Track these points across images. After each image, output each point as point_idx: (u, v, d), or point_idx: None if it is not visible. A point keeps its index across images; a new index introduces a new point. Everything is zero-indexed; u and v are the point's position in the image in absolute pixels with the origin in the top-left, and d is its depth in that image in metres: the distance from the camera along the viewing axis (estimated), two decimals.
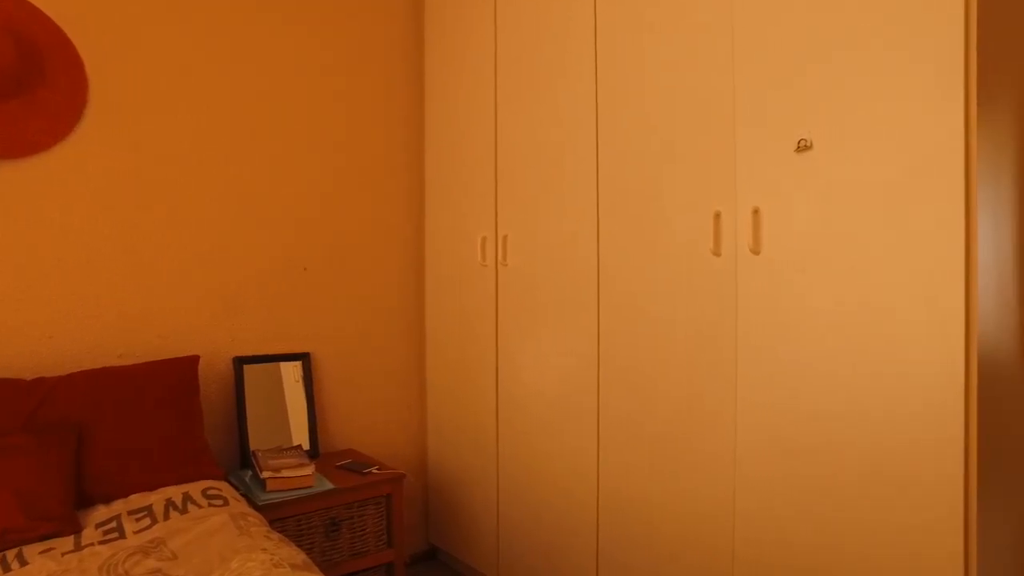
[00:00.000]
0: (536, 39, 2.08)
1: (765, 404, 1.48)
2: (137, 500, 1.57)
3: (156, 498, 1.58)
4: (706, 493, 1.61)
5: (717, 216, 1.55)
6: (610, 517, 1.86)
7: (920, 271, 1.27)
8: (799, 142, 1.42)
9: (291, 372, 2.31)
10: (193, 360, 1.96)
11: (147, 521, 1.47)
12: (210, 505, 1.59)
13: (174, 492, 1.62)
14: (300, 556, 1.37)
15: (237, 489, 1.95)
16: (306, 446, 2.27)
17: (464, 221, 2.40)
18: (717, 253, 1.55)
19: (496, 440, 2.27)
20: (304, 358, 2.34)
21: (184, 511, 1.53)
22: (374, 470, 2.13)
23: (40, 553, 1.35)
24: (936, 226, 1.25)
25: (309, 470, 1.96)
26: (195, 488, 1.68)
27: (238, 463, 2.19)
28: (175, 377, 1.89)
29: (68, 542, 1.41)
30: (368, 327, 2.55)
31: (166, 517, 1.49)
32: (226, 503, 1.61)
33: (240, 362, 2.18)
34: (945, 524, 1.25)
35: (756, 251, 1.47)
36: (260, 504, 1.85)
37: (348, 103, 2.49)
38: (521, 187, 2.14)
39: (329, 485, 1.99)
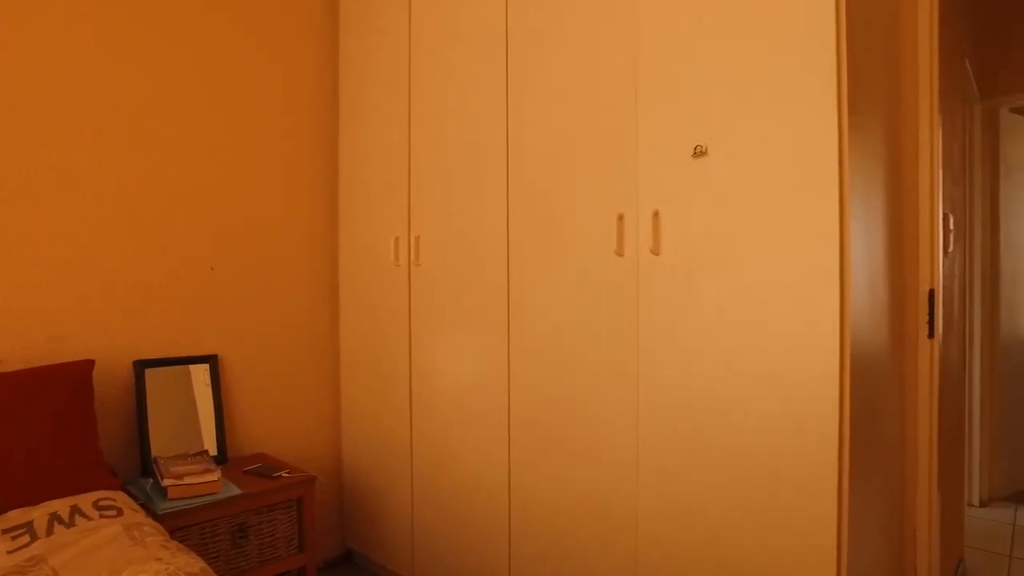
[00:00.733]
0: (449, 40, 2.08)
1: (665, 403, 1.54)
2: (16, 517, 1.47)
3: (39, 513, 1.48)
4: (611, 489, 1.66)
5: (620, 218, 1.60)
6: (522, 515, 1.89)
7: (801, 272, 1.36)
8: (695, 148, 1.48)
9: (199, 375, 2.22)
10: (86, 365, 1.86)
11: (25, 539, 1.38)
12: (102, 516, 1.51)
13: (60, 505, 1.53)
14: (198, 564, 1.32)
15: (136, 499, 1.86)
16: (214, 451, 2.19)
17: (378, 220, 2.38)
18: (620, 253, 1.60)
19: (410, 441, 2.26)
20: (212, 360, 2.25)
21: (71, 524, 1.45)
22: (284, 474, 2.08)
23: None
24: (814, 229, 1.34)
25: (214, 476, 1.89)
26: (86, 500, 1.59)
27: (139, 472, 2.09)
28: (66, 383, 1.78)
29: None
30: (280, 327, 2.48)
31: (49, 532, 1.41)
32: (120, 513, 1.54)
33: (141, 366, 2.08)
34: (821, 513, 1.34)
35: (656, 252, 1.53)
36: (160, 513, 1.77)
37: (257, 97, 2.41)
38: (434, 187, 2.14)
39: (236, 490, 1.93)
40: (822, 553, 1.33)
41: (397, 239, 2.29)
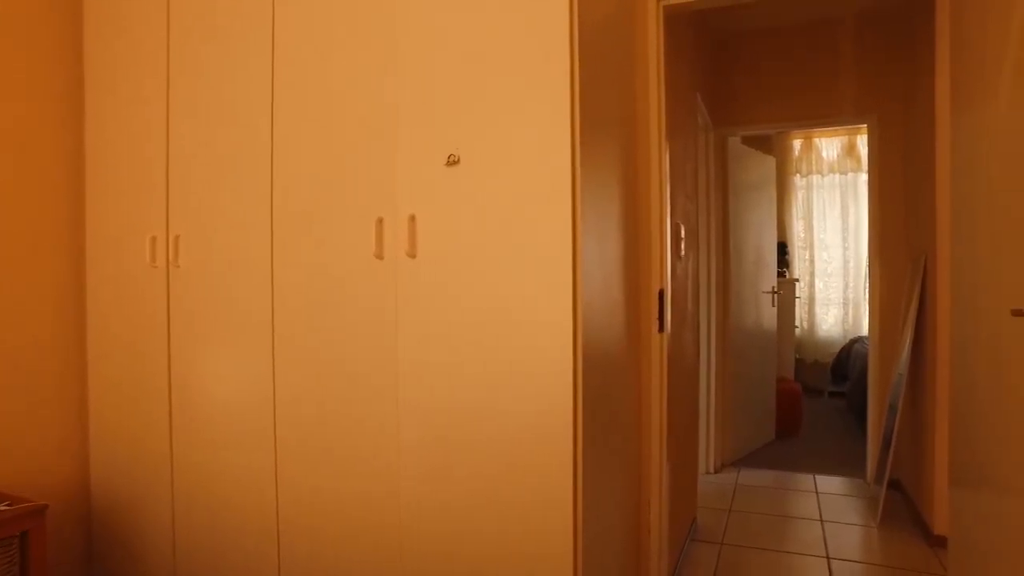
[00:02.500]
0: (212, 35, 1.97)
1: (425, 404, 1.61)
2: None
3: None
4: (376, 493, 1.70)
5: (380, 222, 1.64)
6: (291, 526, 1.85)
7: (541, 273, 1.50)
8: (449, 157, 1.57)
9: None
10: None
11: None
12: None
13: None
14: None
15: None
16: None
17: (131, 218, 2.17)
18: (380, 257, 1.64)
19: (171, 459, 2.09)
20: None
21: None
22: (3, 507, 1.81)
23: None
24: (552, 234, 1.49)
25: None
26: None
27: None
28: None
29: None
30: (11, 335, 2.15)
31: None
32: None
33: None
34: (559, 500, 1.48)
35: (412, 255, 1.60)
36: None
37: None
38: (196, 185, 2.01)
39: None
40: (561, 523, 1.49)
41: (154, 238, 2.11)
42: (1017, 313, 1.14)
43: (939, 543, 2.69)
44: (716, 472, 3.76)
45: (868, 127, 3.67)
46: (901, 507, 3.23)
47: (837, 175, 6.22)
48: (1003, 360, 1.37)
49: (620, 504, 1.91)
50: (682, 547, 2.64)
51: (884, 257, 3.58)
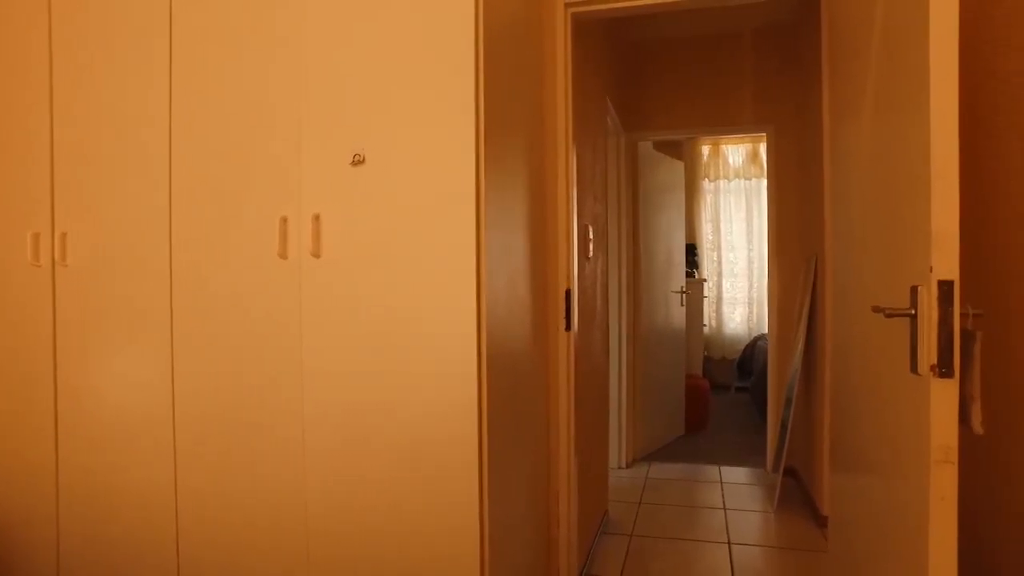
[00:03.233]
0: (103, 26, 1.87)
1: (331, 404, 1.59)
2: None
3: None
4: (282, 494, 1.66)
5: (284, 220, 1.61)
6: (192, 538, 1.78)
7: (447, 274, 1.52)
8: (354, 156, 1.56)
9: None
10: None
11: None
12: None
13: None
14: None
15: None
16: None
17: (9, 213, 2.02)
18: (284, 256, 1.61)
19: (56, 471, 1.96)
20: None
21: None
22: None
23: None
24: (456, 235, 1.51)
25: None
26: None
27: None
28: None
29: None
30: None
31: None
32: None
33: None
34: (466, 499, 1.50)
35: (317, 255, 1.58)
36: None
37: None
38: (87, 179, 1.90)
39: None
40: (468, 520, 1.51)
41: (37, 235, 1.98)
42: (876, 309, 1.25)
43: (825, 523, 2.89)
44: (628, 467, 3.88)
45: (767, 135, 3.90)
46: (796, 492, 3.45)
47: (743, 180, 6.56)
48: (868, 354, 1.50)
49: (530, 499, 1.95)
50: (593, 539, 2.71)
51: (781, 259, 3.81)
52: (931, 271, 1.09)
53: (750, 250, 6.50)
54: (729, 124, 3.95)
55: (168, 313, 1.79)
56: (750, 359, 5.90)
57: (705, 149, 6.61)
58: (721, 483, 3.64)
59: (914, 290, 1.14)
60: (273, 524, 1.68)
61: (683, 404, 4.68)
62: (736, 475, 3.78)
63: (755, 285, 6.48)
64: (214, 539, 1.75)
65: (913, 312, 1.14)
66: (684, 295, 4.74)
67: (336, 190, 1.57)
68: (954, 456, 1.07)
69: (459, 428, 1.51)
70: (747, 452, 4.24)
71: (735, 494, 3.45)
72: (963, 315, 1.09)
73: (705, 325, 6.38)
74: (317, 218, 1.57)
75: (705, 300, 6.26)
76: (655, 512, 3.19)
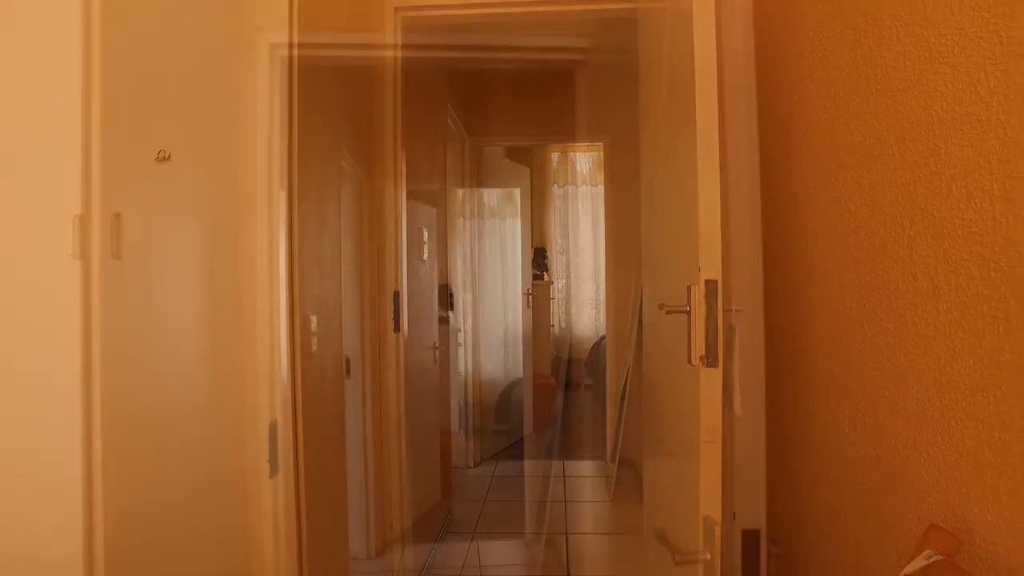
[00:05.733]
0: None
1: None
2: None
3: None
4: None
5: None
6: None
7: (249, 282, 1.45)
8: None
9: None
10: None
11: None
12: None
13: None
14: None
15: None
16: None
17: None
18: None
19: None
20: None
21: None
22: None
23: None
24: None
25: None
26: None
27: None
28: None
29: None
30: None
31: None
32: None
33: None
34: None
35: None
36: None
37: None
38: None
39: None
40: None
41: None
42: (661, 307, 1.37)
43: None
44: (476, 466, 3.94)
45: (603, 146, 4.13)
46: (631, 481, 3.68)
47: (589, 186, 6.90)
48: (662, 350, 1.63)
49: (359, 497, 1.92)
50: (435, 540, 2.72)
51: (618, 262, 4.05)
52: (699, 271, 1.21)
53: (596, 254, 6.85)
54: (568, 134, 4.14)
55: None
56: (596, 358, 6.21)
57: (555, 156, 6.87)
58: (564, 477, 3.79)
59: (689, 289, 1.26)
60: None
61: (532, 402, 4.82)
62: (579, 468, 3.96)
63: (600, 287, 6.83)
64: None
65: (688, 309, 1.26)
66: (530, 297, 4.89)
67: None
68: (719, 436, 1.19)
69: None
70: (591, 446, 4.46)
71: (577, 487, 3.62)
72: (726, 311, 1.22)
73: (553, 326, 6.62)
74: None
75: (553, 302, 6.50)
76: (499, 509, 3.26)
